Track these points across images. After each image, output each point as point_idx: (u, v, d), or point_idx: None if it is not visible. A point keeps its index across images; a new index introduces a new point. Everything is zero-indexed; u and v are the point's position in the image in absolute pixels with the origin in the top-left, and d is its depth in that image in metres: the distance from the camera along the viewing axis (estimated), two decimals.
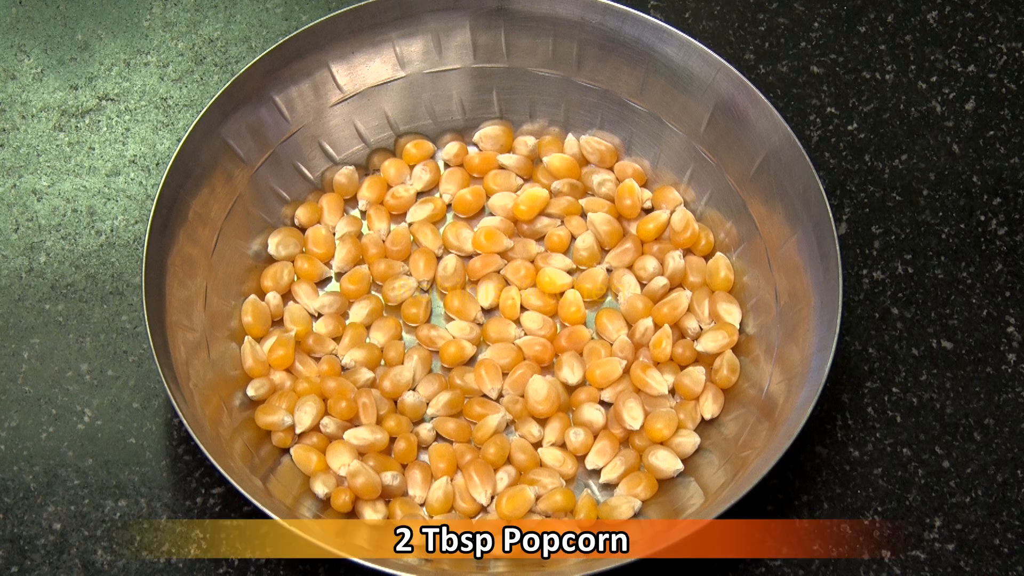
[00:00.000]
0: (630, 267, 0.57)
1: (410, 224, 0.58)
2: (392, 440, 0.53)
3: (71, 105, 0.62)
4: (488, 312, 0.57)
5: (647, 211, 0.58)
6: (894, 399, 0.55)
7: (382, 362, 0.55)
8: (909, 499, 0.53)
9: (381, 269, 0.57)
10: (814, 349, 0.51)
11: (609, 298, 0.57)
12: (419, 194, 0.59)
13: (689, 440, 0.53)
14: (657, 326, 0.55)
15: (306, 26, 0.57)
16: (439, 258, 0.57)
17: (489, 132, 0.59)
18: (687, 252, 0.57)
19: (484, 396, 0.54)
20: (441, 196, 0.59)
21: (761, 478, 0.48)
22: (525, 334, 0.56)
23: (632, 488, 0.52)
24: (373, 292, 0.57)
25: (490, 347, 0.55)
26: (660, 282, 0.55)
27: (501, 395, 0.54)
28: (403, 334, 0.56)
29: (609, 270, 0.57)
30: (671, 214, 0.57)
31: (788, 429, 0.50)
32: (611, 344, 0.55)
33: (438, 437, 0.54)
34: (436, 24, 0.58)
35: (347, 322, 0.56)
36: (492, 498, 0.52)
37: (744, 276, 0.56)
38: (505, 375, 0.55)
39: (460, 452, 0.53)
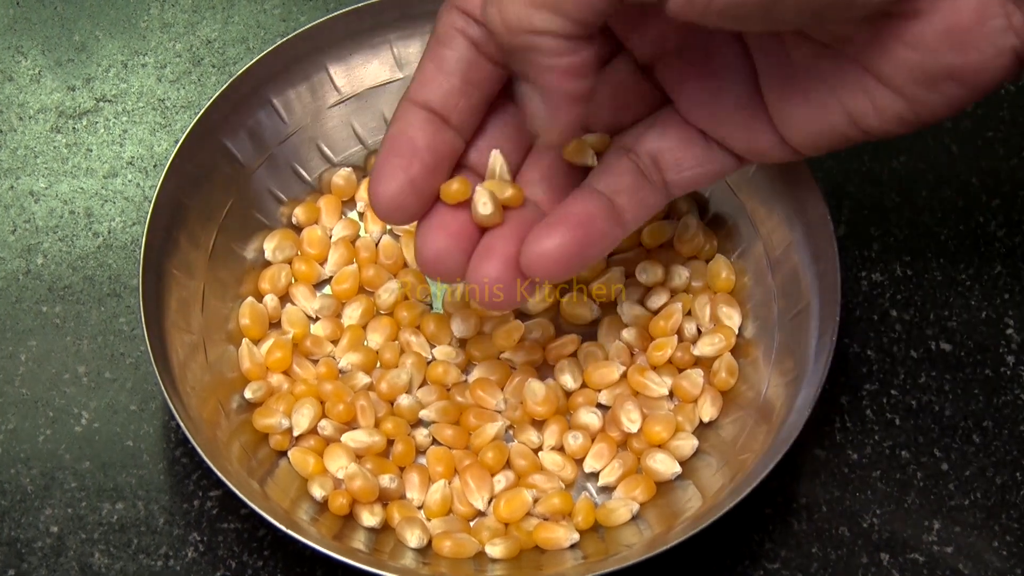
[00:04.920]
0: (632, 273, 0.56)
1: (393, 231, 0.57)
2: (390, 443, 0.53)
3: (68, 107, 0.62)
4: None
5: None
6: (893, 401, 0.55)
7: (378, 364, 0.55)
8: (908, 502, 0.53)
9: (370, 275, 0.56)
10: (812, 351, 0.51)
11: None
12: None
13: (687, 443, 0.53)
14: (653, 336, 0.55)
15: (304, 27, 0.57)
16: None
17: None
18: (691, 258, 0.56)
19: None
20: None
21: (759, 481, 0.48)
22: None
23: (630, 491, 0.52)
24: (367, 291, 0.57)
25: (478, 366, 0.55)
26: (661, 300, 0.55)
27: (503, 403, 0.54)
28: (399, 335, 0.56)
29: (611, 274, 0.57)
30: (678, 221, 0.56)
31: (786, 432, 0.50)
32: (608, 348, 0.55)
33: (435, 442, 0.54)
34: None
35: (345, 324, 0.56)
36: (490, 502, 0.52)
37: (743, 278, 0.56)
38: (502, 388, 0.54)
39: (459, 457, 0.53)
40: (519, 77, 0.42)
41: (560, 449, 0.53)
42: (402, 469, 0.53)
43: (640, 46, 0.47)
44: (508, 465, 0.53)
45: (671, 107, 0.47)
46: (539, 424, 0.54)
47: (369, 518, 0.51)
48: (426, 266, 0.46)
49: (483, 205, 0.45)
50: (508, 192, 0.46)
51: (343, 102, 0.58)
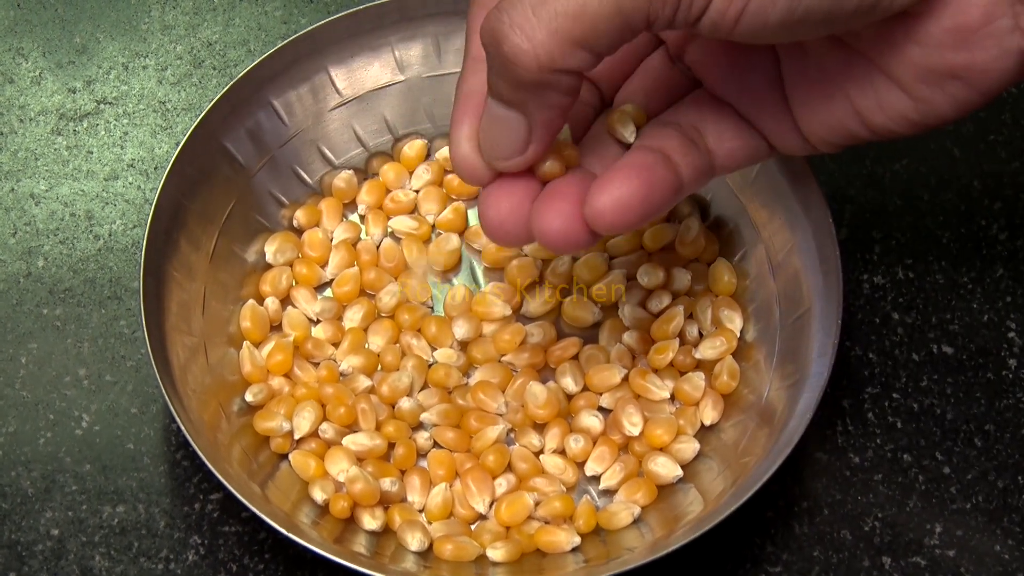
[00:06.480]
0: (633, 276, 0.56)
1: (394, 233, 0.57)
2: (391, 446, 0.53)
3: (69, 109, 0.62)
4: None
5: None
6: (894, 404, 0.55)
7: (379, 367, 0.55)
8: (909, 505, 0.53)
9: (371, 278, 0.56)
10: (814, 354, 0.51)
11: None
12: (416, 190, 0.58)
13: (689, 446, 0.53)
14: (655, 339, 0.54)
15: (305, 30, 0.57)
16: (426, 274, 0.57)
17: None
18: (692, 261, 0.56)
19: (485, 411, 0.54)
20: (424, 216, 0.58)
21: (761, 484, 0.48)
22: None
23: (631, 494, 0.52)
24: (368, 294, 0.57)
25: (479, 368, 0.55)
26: (662, 303, 0.55)
27: (504, 406, 0.54)
28: (400, 338, 0.56)
29: (612, 276, 0.56)
30: (679, 224, 0.56)
31: (788, 435, 0.50)
32: (610, 351, 0.55)
33: (436, 445, 0.54)
34: (435, 28, 0.58)
35: (346, 327, 0.56)
36: (491, 505, 0.52)
37: (744, 281, 0.56)
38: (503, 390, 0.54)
39: (460, 460, 0.53)
40: (497, 100, 0.41)
41: (561, 452, 0.53)
42: (403, 472, 0.53)
43: (672, 35, 0.47)
44: (509, 468, 0.53)
45: (702, 89, 0.47)
46: (540, 427, 0.54)
47: (370, 521, 0.51)
48: (491, 230, 0.45)
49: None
50: (566, 151, 0.45)
51: (344, 104, 0.58)
